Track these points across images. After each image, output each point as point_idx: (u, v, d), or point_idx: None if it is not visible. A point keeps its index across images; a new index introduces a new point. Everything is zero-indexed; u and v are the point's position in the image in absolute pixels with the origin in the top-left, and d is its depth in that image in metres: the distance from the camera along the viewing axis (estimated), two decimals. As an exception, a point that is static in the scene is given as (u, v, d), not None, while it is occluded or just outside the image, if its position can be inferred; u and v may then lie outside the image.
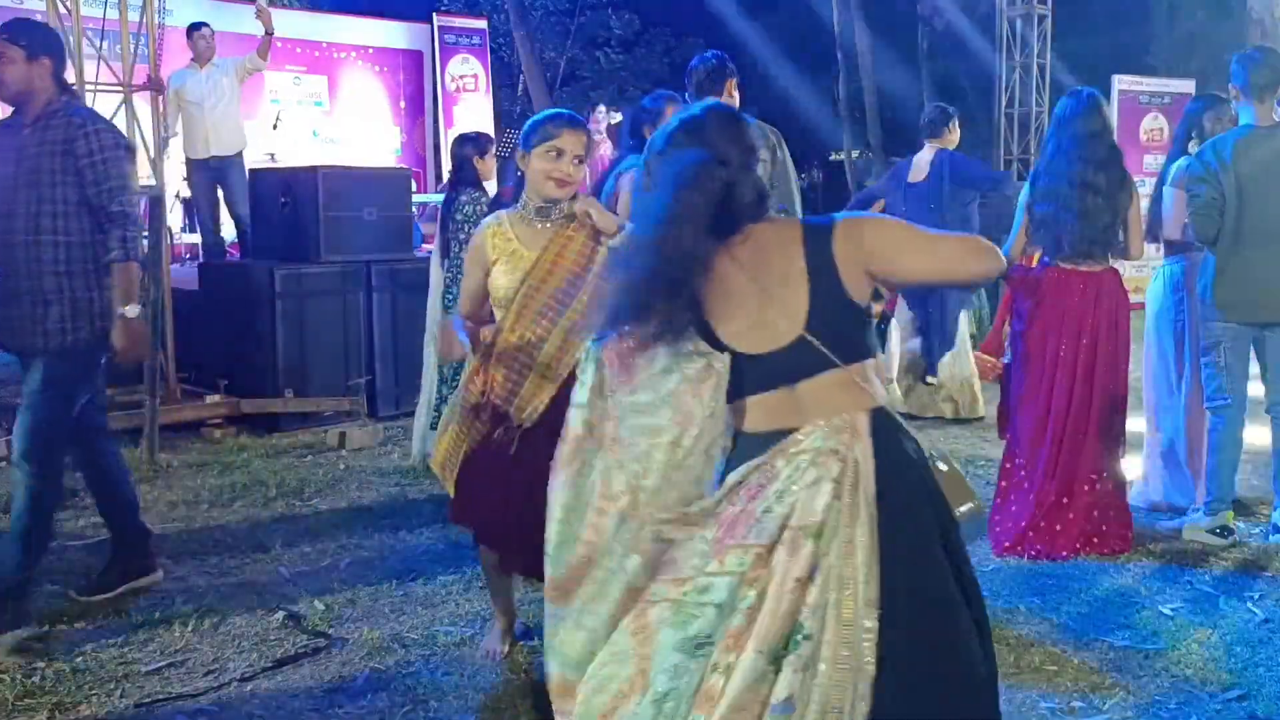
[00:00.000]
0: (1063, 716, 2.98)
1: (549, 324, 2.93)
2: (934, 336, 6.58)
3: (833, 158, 23.95)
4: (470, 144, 5.57)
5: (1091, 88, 4.40)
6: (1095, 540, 4.27)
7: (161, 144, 6.48)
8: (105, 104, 6.45)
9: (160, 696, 3.09)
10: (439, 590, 3.87)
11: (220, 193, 8.36)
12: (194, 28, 8.23)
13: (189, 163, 8.28)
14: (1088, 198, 4.16)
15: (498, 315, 3.02)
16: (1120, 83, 13.01)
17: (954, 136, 6.51)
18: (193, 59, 8.19)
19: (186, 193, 10.76)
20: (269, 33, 8.09)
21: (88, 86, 6.23)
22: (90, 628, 3.57)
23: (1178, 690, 3.12)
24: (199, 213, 8.52)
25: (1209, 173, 4.21)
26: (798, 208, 4.63)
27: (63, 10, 6.23)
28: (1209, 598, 3.82)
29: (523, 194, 3.03)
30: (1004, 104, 13.60)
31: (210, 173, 8.11)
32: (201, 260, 8.76)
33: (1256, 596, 3.82)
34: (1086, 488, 4.30)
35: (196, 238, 11.06)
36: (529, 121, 3.05)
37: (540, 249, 2.95)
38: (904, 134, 19.96)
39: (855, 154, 21.68)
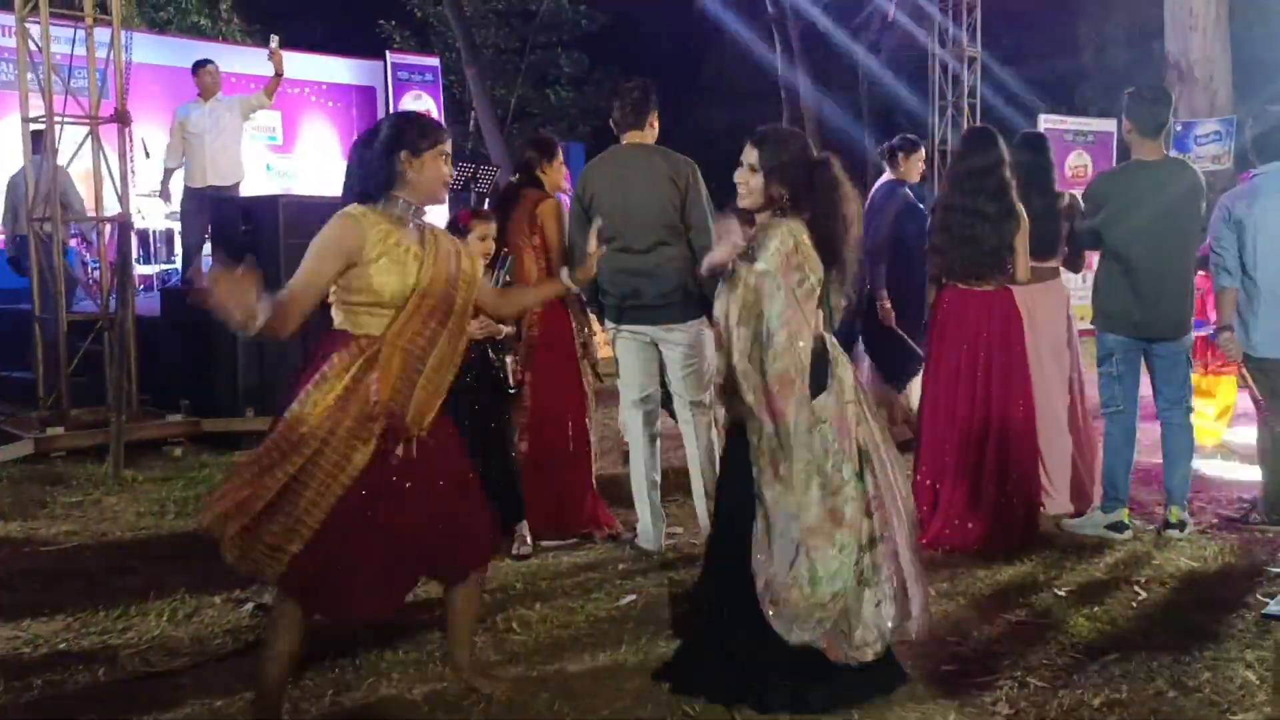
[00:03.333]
0: (960, 679, 3.34)
1: (438, 326, 2.90)
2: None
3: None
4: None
5: (988, 125, 4.86)
6: (1003, 538, 4.66)
7: (128, 173, 6.74)
8: (73, 136, 6.75)
9: (143, 672, 3.36)
10: (398, 583, 4.16)
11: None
12: (198, 64, 8.53)
13: (186, 190, 8.54)
14: (977, 225, 4.60)
15: (371, 315, 2.86)
16: (1046, 122, 13.67)
17: (906, 169, 6.64)
18: (199, 94, 8.48)
19: (142, 223, 11.01)
20: (279, 74, 8.42)
21: (56, 118, 6.51)
22: (71, 619, 3.82)
23: (1062, 654, 3.51)
24: (185, 238, 8.76)
25: (1093, 205, 4.67)
26: (712, 237, 4.59)
27: (33, 47, 6.51)
28: (1100, 582, 4.22)
29: (393, 193, 2.94)
30: (937, 141, 14.21)
31: (205, 202, 8.36)
32: (172, 284, 8.96)
33: (1142, 580, 4.23)
34: (993, 489, 4.69)
35: (151, 268, 11.30)
36: (404, 124, 2.99)
37: (432, 250, 2.93)
38: (845, 170, 20.61)
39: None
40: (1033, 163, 5.02)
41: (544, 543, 4.65)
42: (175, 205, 8.94)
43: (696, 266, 4.01)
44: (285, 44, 8.30)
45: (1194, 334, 5.03)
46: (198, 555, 4.55)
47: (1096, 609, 3.90)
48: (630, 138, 4.53)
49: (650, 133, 4.55)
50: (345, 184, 3.00)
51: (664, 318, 4.38)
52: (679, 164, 4.43)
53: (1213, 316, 6.37)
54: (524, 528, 4.58)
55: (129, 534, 4.92)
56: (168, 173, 8.59)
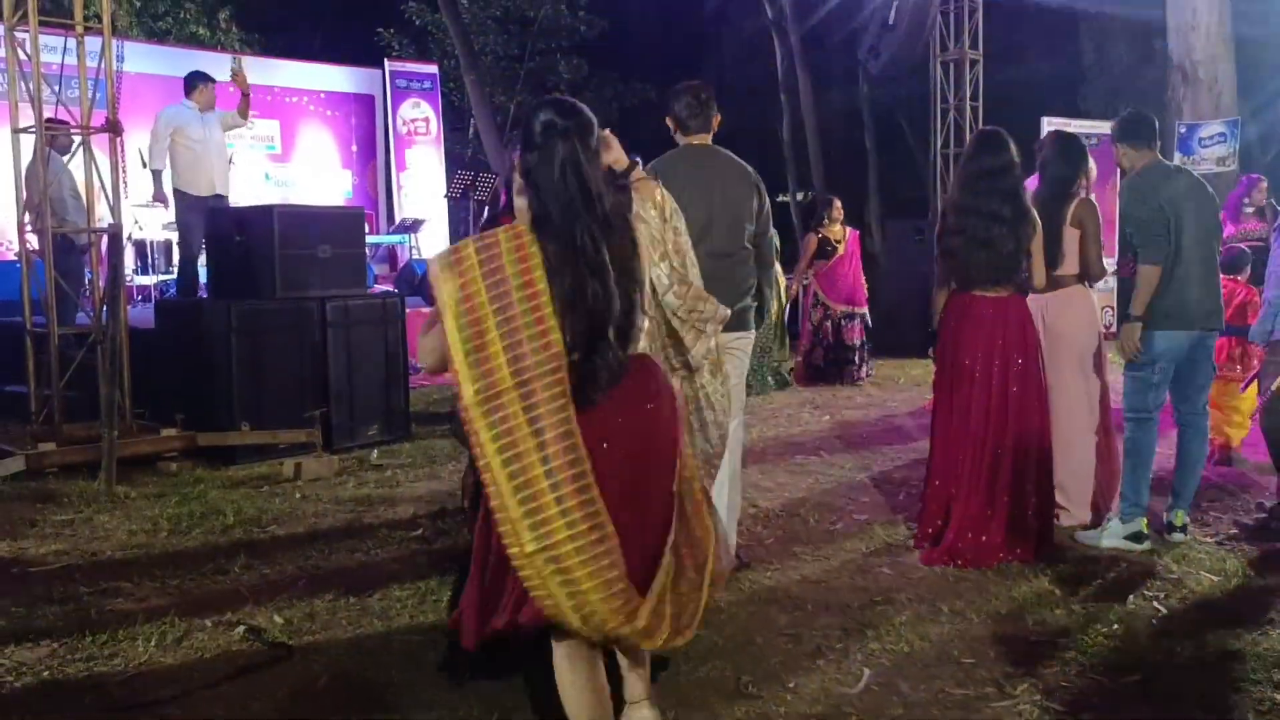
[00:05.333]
0: (976, 703, 3.22)
1: None
2: None
3: (779, 199, 24.53)
4: None
5: (997, 126, 4.73)
6: (1018, 550, 4.54)
7: (119, 184, 6.64)
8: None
9: (128, 703, 3.24)
10: (394, 604, 4.04)
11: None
12: (203, 78, 8.48)
13: (185, 197, 8.40)
14: (993, 228, 4.48)
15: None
16: (1049, 124, 13.55)
17: None
18: (199, 106, 8.38)
19: (140, 234, 10.91)
20: (245, 94, 8.35)
21: (47, 129, 6.41)
22: (56, 645, 3.70)
23: (1082, 677, 3.38)
24: (186, 247, 8.65)
25: (1149, 199, 4.56)
26: (774, 246, 4.67)
27: (23, 56, 6.41)
28: (1118, 598, 4.08)
29: None
30: (939, 145, 14.10)
31: (205, 208, 8.26)
32: (170, 294, 8.88)
33: (1162, 596, 4.10)
34: (1008, 500, 4.57)
35: (149, 279, 11.20)
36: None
37: None
38: (847, 174, 20.55)
39: (801, 196, 22.23)
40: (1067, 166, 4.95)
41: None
42: (170, 207, 8.85)
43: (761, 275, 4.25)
44: (284, 52, 8.26)
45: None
46: (188, 575, 4.46)
47: (1116, 627, 3.77)
48: (698, 139, 4.33)
49: (711, 134, 4.39)
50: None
51: (736, 325, 4.16)
52: (751, 169, 4.31)
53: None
54: None
55: (120, 553, 4.79)
56: (156, 175, 8.47)
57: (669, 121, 4.40)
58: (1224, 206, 7.93)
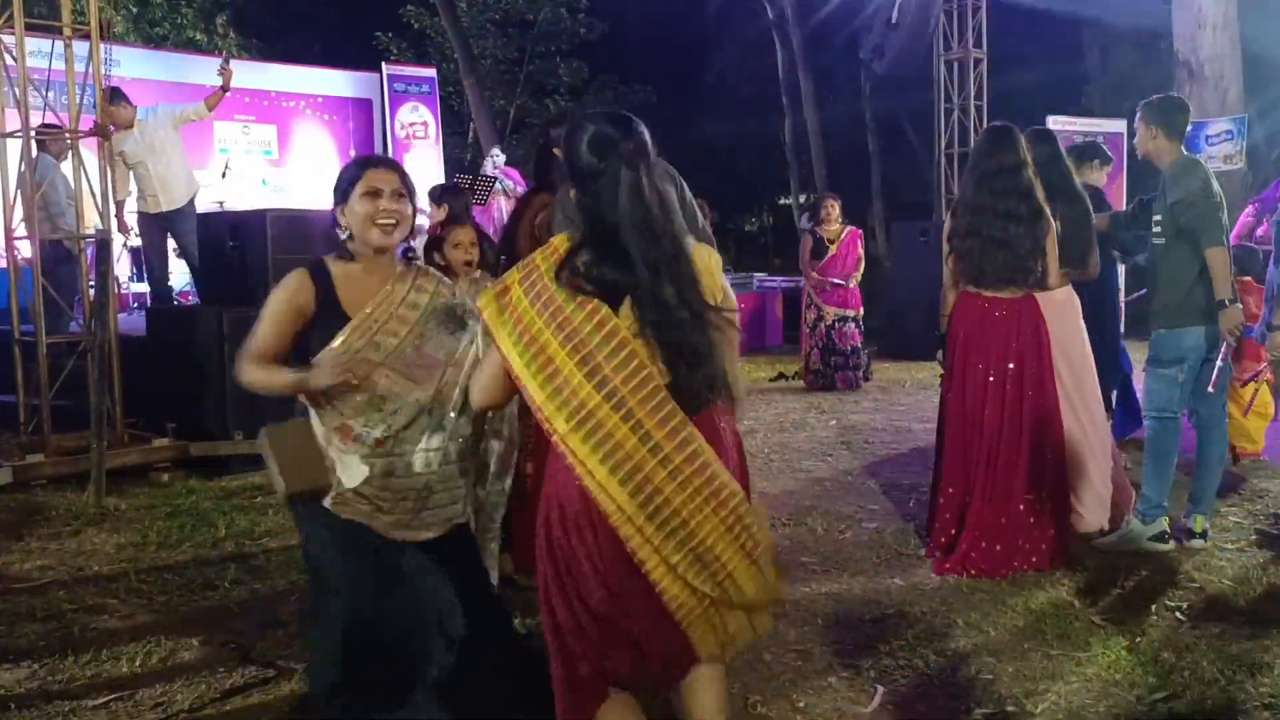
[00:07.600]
0: (996, 721, 3.07)
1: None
2: None
3: (781, 201, 24.40)
4: None
5: (1008, 122, 4.58)
6: (1034, 559, 4.39)
7: (109, 189, 6.50)
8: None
9: (108, 728, 3.10)
10: (388, 621, 3.89)
11: (171, 242, 8.41)
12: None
13: (139, 215, 8.29)
14: (1010, 227, 4.34)
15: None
16: (1054, 123, 13.42)
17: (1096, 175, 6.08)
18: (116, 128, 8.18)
19: (135, 241, 10.78)
20: (225, 89, 8.18)
21: (34, 134, 6.28)
22: (36, 665, 3.56)
23: (1107, 694, 3.23)
24: (149, 263, 8.52)
25: (1196, 184, 4.44)
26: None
27: (10, 61, 6.27)
28: (1139, 608, 3.94)
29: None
30: (943, 144, 13.97)
31: (162, 223, 8.12)
32: (150, 307, 8.77)
33: (1184, 606, 3.95)
34: (1023, 507, 4.42)
35: (145, 286, 11.07)
36: None
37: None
38: (850, 176, 20.41)
39: (804, 198, 22.12)
40: (1050, 163, 4.77)
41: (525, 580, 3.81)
42: (134, 239, 8.73)
43: None
44: (281, 57, 8.14)
45: None
46: (176, 591, 4.32)
47: (1139, 639, 3.62)
48: None
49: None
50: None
51: None
52: (669, 168, 4.16)
53: None
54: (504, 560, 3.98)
55: (107, 568, 4.65)
56: (119, 205, 8.33)
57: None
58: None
